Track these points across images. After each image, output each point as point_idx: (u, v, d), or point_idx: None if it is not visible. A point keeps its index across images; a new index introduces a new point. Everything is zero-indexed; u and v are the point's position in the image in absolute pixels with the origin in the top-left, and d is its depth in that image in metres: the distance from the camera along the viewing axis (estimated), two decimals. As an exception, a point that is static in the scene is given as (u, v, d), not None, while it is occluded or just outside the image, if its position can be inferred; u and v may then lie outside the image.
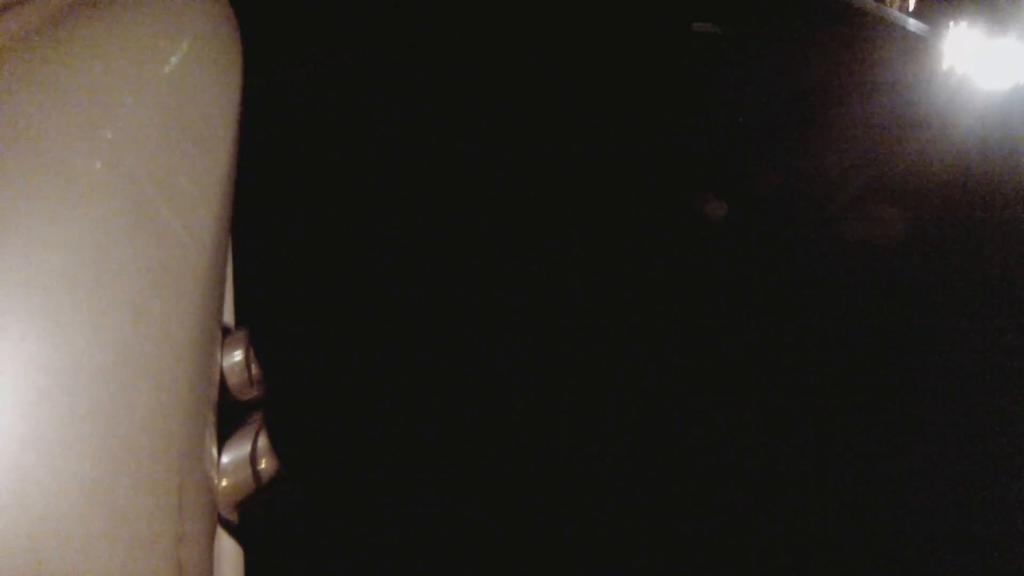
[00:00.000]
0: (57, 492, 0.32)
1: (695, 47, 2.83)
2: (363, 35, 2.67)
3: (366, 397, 1.53)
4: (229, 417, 0.64)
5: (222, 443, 0.61)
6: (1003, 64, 2.32)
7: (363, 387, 1.55)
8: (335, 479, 1.36)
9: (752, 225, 2.16)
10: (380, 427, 1.48)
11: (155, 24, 0.65)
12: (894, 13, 2.62)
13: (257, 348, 0.69)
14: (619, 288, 1.90)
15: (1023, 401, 1.55)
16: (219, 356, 0.64)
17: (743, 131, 2.49)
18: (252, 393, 0.67)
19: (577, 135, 2.43)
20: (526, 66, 2.71)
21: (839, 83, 2.48)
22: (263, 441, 0.61)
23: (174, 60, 0.63)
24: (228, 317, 0.81)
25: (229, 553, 0.60)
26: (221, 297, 0.62)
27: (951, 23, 2.49)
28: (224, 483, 0.58)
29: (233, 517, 0.59)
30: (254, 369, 0.67)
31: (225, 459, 0.59)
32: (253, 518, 0.60)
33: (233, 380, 0.66)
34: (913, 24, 2.53)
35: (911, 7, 2.68)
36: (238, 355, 0.67)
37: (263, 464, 0.59)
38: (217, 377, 0.61)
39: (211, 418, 0.54)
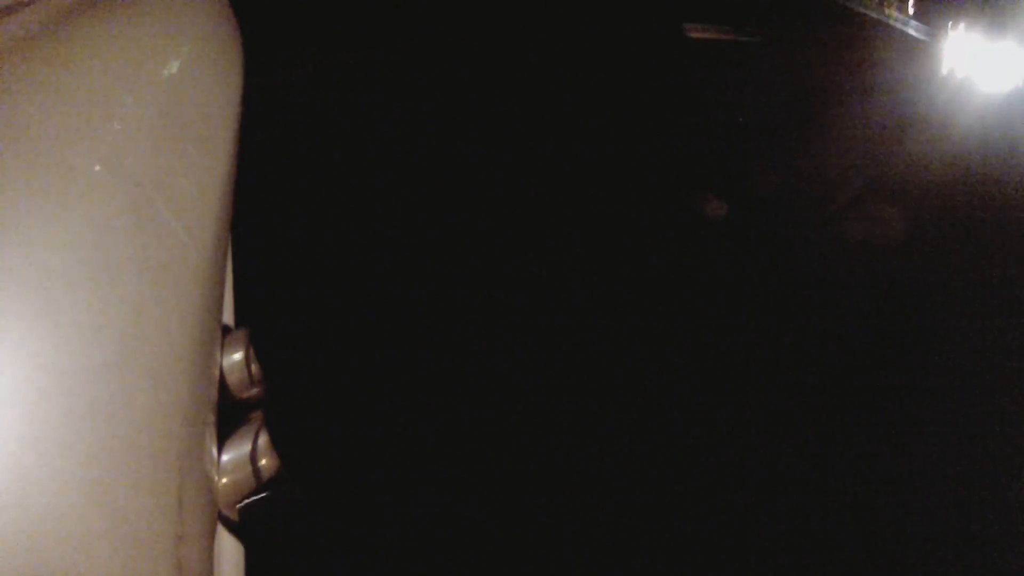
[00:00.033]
0: (57, 492, 0.32)
1: (695, 47, 2.83)
2: (363, 35, 2.67)
3: (366, 397, 1.53)
4: (229, 416, 0.64)
5: (222, 442, 0.61)
6: (1002, 66, 2.32)
7: (363, 387, 1.55)
8: (335, 479, 1.36)
9: (752, 225, 2.16)
10: (380, 427, 1.48)
11: (155, 24, 0.65)
12: (894, 15, 2.62)
13: (257, 347, 0.69)
14: (619, 288, 1.90)
15: (1023, 401, 1.55)
16: (219, 355, 0.64)
17: (743, 131, 2.49)
18: (252, 392, 0.67)
19: (577, 135, 2.43)
20: (526, 66, 2.71)
21: (839, 84, 2.48)
22: (263, 440, 0.61)
23: (174, 60, 0.63)
24: (228, 317, 0.81)
25: (229, 553, 0.60)
26: (221, 297, 0.62)
27: (950, 25, 2.49)
28: (224, 482, 0.58)
29: (233, 516, 0.59)
30: (254, 368, 0.67)
31: (225, 458, 0.59)
32: (253, 517, 0.60)
33: (233, 379, 0.66)
34: (913, 26, 2.53)
35: (911, 9, 2.68)
36: (238, 354, 0.67)
37: (263, 463, 0.59)
38: (217, 376, 0.61)
39: (211, 417, 0.54)
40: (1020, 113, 2.21)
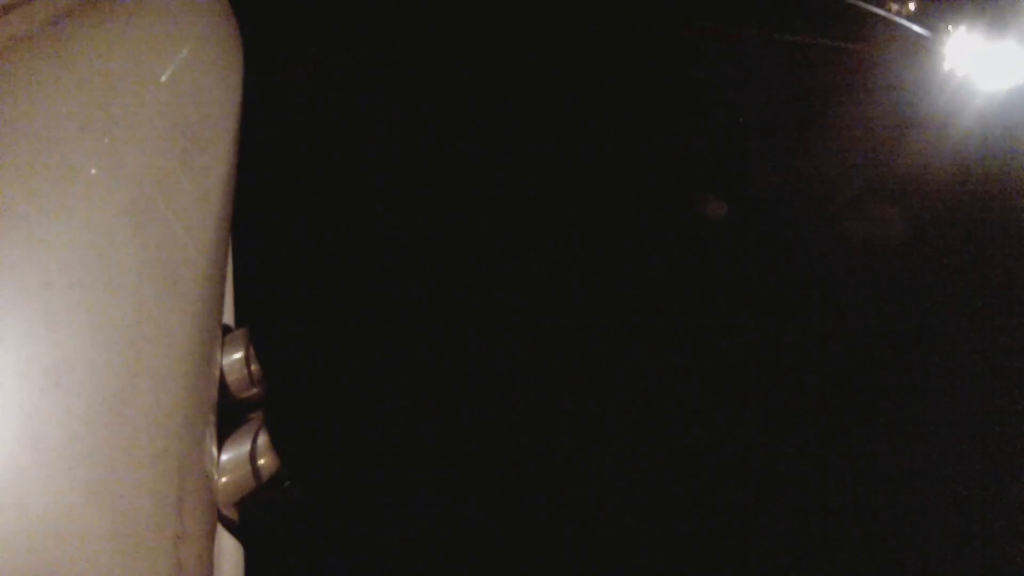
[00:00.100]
0: (57, 492, 0.32)
1: (695, 47, 2.83)
2: (363, 35, 2.66)
3: (366, 397, 1.53)
4: (229, 416, 0.64)
5: (222, 441, 0.61)
6: (1003, 66, 2.32)
7: (363, 387, 1.55)
8: (335, 479, 1.36)
9: (752, 225, 2.16)
10: (380, 427, 1.48)
11: (155, 25, 0.65)
12: (894, 15, 2.62)
13: (257, 347, 0.69)
14: (619, 288, 1.90)
15: (1023, 401, 1.55)
16: (219, 355, 0.64)
17: (743, 131, 2.49)
18: (252, 392, 0.67)
19: (577, 135, 2.43)
20: (526, 66, 2.71)
21: (840, 84, 2.48)
22: (263, 440, 0.61)
23: (174, 60, 0.63)
24: (228, 317, 0.81)
25: (229, 552, 0.60)
26: (221, 297, 0.62)
27: (951, 25, 2.49)
28: (224, 481, 0.58)
29: (233, 515, 0.59)
30: (254, 368, 0.67)
31: (225, 457, 0.59)
32: (253, 516, 0.60)
33: (233, 379, 0.66)
34: (913, 26, 2.53)
35: (912, 9, 2.68)
36: (238, 354, 0.67)
37: (263, 462, 0.59)
38: (217, 376, 0.61)
39: (211, 417, 0.54)
40: (1020, 113, 2.21)
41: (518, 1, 2.91)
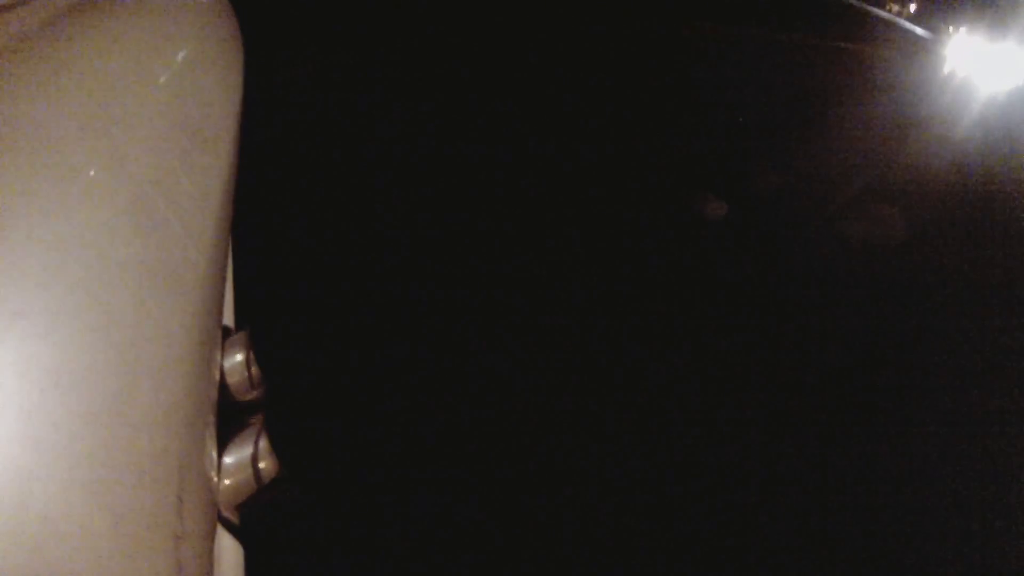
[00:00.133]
0: (57, 492, 0.32)
1: (695, 47, 2.83)
2: (363, 35, 2.67)
3: (366, 397, 1.53)
4: (230, 418, 0.64)
5: (223, 444, 0.61)
6: (1003, 67, 2.32)
7: (363, 387, 1.55)
8: (335, 479, 1.36)
9: (752, 225, 2.16)
10: (380, 427, 1.48)
11: (156, 25, 0.65)
12: (895, 16, 2.62)
13: (258, 349, 0.69)
14: (619, 288, 1.90)
15: (1023, 401, 1.55)
16: (219, 357, 0.64)
17: (743, 131, 2.49)
18: (253, 394, 0.67)
19: (577, 135, 2.43)
20: (526, 66, 2.71)
21: (840, 84, 2.48)
22: (264, 442, 0.61)
23: (175, 60, 0.63)
24: (228, 318, 0.81)
25: (229, 553, 0.60)
26: (221, 297, 0.62)
27: (952, 26, 2.49)
28: (225, 483, 0.58)
29: (233, 517, 0.59)
30: (254, 370, 0.67)
31: (226, 460, 0.59)
32: (253, 518, 0.60)
33: (234, 381, 0.66)
34: (914, 27, 2.53)
35: (912, 10, 2.68)
36: (239, 356, 0.67)
37: (263, 465, 0.59)
38: (217, 378, 0.61)
39: (211, 418, 0.54)
40: (1020, 114, 2.21)
41: (518, 1, 2.91)
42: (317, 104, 2.39)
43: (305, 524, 1.20)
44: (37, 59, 0.46)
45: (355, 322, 1.69)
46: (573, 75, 2.68)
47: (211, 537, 0.52)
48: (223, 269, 0.64)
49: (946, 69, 2.43)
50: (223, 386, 0.64)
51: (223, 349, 0.66)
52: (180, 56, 0.65)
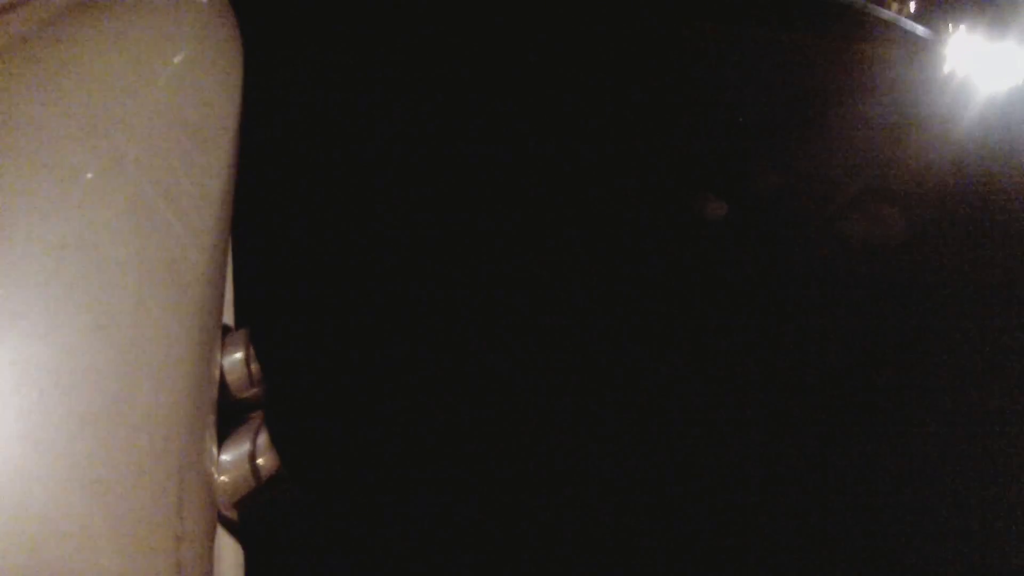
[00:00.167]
0: (57, 492, 0.32)
1: (695, 47, 2.83)
2: (363, 35, 2.67)
3: (366, 397, 1.53)
4: (229, 416, 0.64)
5: (222, 441, 0.61)
6: (1003, 66, 2.32)
7: (363, 387, 1.55)
8: (335, 479, 1.36)
9: (752, 225, 2.16)
10: (380, 427, 1.48)
11: (156, 24, 0.65)
12: (895, 15, 2.62)
13: (257, 347, 0.69)
14: (619, 288, 1.90)
15: (1023, 401, 1.55)
16: (219, 355, 0.64)
17: (743, 131, 2.49)
18: (252, 392, 0.68)
19: (577, 135, 2.43)
20: (526, 66, 2.71)
21: (840, 85, 2.48)
22: (263, 439, 0.61)
23: (175, 60, 0.63)
24: (228, 317, 0.81)
25: (229, 552, 0.60)
26: (221, 297, 0.62)
27: (952, 25, 2.49)
28: (224, 480, 0.58)
29: (233, 515, 0.59)
30: (254, 368, 0.67)
31: (225, 457, 0.59)
32: (253, 516, 0.60)
33: (233, 379, 0.66)
34: (914, 26, 2.53)
35: (912, 9, 2.68)
36: (238, 354, 0.67)
37: (262, 462, 0.59)
38: (217, 376, 0.61)
39: (211, 417, 0.54)
40: (1020, 113, 2.21)
41: (518, 1, 2.91)
42: (317, 104, 2.39)
43: (305, 524, 1.20)
44: (37, 59, 0.46)
45: (355, 322, 1.69)
46: (573, 75, 2.68)
47: (211, 537, 0.52)
48: (223, 269, 0.64)
49: (946, 68, 2.43)
50: (222, 383, 0.64)
51: (223, 347, 0.66)
52: (180, 56, 0.65)
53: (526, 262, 1.95)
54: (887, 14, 2.63)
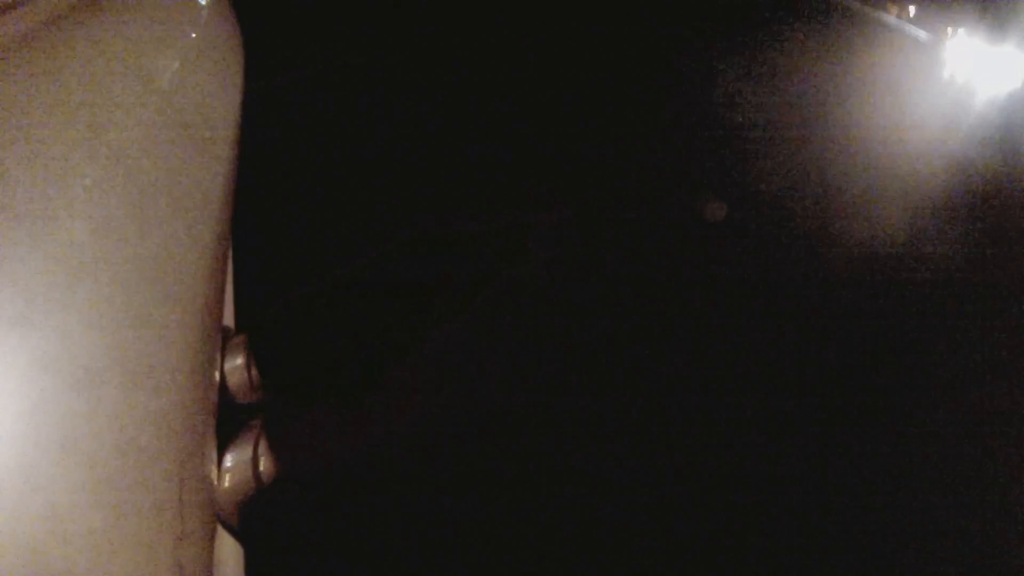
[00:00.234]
0: (58, 492, 0.32)
1: (695, 47, 2.83)
2: (363, 35, 2.67)
3: (365, 396, 1.53)
4: (230, 420, 0.64)
5: (223, 445, 0.61)
6: (1003, 70, 2.33)
7: (363, 386, 1.55)
8: (335, 479, 1.36)
9: (752, 225, 2.16)
10: (379, 427, 1.48)
11: (156, 25, 0.65)
12: (894, 18, 2.62)
13: (257, 349, 0.69)
14: (619, 288, 1.90)
15: (1023, 401, 1.55)
16: (220, 358, 0.64)
17: (743, 131, 2.49)
18: (253, 397, 0.68)
19: (577, 135, 2.43)
20: (526, 66, 2.71)
21: (840, 86, 2.48)
22: (263, 443, 0.61)
23: (175, 61, 0.63)
24: (229, 319, 0.81)
25: (229, 553, 0.60)
26: (221, 298, 0.62)
27: (951, 29, 2.49)
28: (225, 484, 0.58)
29: (233, 517, 0.59)
30: (254, 372, 0.68)
31: (226, 461, 0.59)
32: (253, 518, 0.60)
33: (234, 383, 0.66)
34: (913, 30, 2.54)
35: (912, 13, 2.68)
36: (239, 360, 0.67)
37: (263, 466, 0.59)
38: (217, 379, 0.61)
39: (211, 420, 0.54)
40: (1020, 117, 2.22)
41: (518, 1, 2.91)
42: (317, 104, 2.39)
43: (305, 524, 1.20)
44: (37, 59, 0.46)
45: (354, 321, 1.69)
46: (573, 75, 2.68)
47: (211, 537, 0.52)
48: (223, 269, 0.64)
49: (946, 72, 2.43)
50: (223, 388, 0.64)
51: (224, 351, 0.66)
52: (180, 56, 0.65)
53: (526, 262, 1.95)
54: (886, 17, 2.63)
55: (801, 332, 1.79)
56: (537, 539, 1.33)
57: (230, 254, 0.78)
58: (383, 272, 1.85)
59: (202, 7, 0.81)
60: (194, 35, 0.73)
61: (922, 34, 2.51)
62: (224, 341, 0.67)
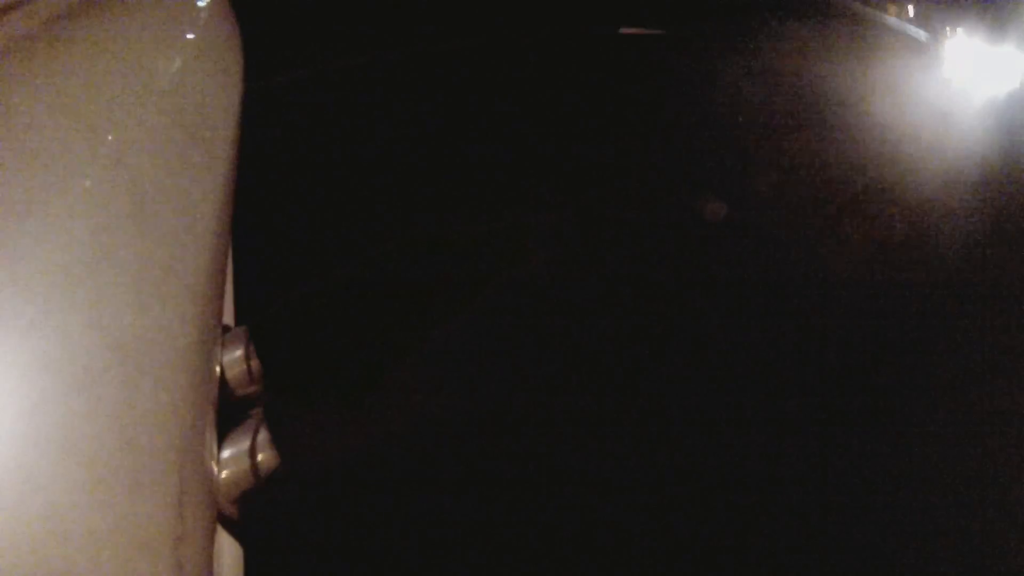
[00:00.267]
0: (57, 491, 0.32)
1: (695, 47, 2.84)
2: (363, 36, 2.67)
3: (365, 396, 1.53)
4: (229, 413, 0.64)
5: (222, 438, 0.61)
6: (1002, 69, 2.33)
7: (362, 385, 1.55)
8: (335, 479, 1.36)
9: (752, 225, 2.16)
10: (380, 427, 1.48)
11: (155, 25, 0.65)
12: (894, 18, 2.62)
13: (257, 345, 0.69)
14: (619, 288, 1.90)
15: (1023, 401, 1.55)
16: (219, 354, 0.64)
17: (743, 131, 2.49)
18: (252, 389, 0.68)
19: (577, 135, 2.43)
20: (526, 66, 2.71)
21: (839, 86, 2.48)
22: (263, 436, 0.61)
23: (175, 61, 0.63)
24: (228, 317, 0.81)
25: (229, 551, 0.60)
26: (221, 298, 0.62)
27: (950, 29, 2.49)
28: (223, 476, 0.58)
29: (233, 512, 0.59)
30: (254, 363, 0.68)
31: (225, 453, 0.59)
32: (252, 512, 0.60)
33: (232, 375, 0.66)
34: (912, 30, 2.54)
35: (911, 13, 2.68)
36: (238, 351, 0.67)
37: (262, 459, 0.59)
38: (217, 374, 0.61)
39: (211, 416, 0.54)
40: (1018, 116, 2.22)
41: (518, 2, 2.91)
42: (317, 104, 2.39)
43: (305, 524, 1.20)
44: (37, 59, 0.46)
45: (354, 322, 1.69)
46: (573, 75, 2.68)
47: (211, 537, 0.52)
48: (223, 269, 0.64)
49: (944, 71, 2.44)
50: (222, 380, 0.64)
51: (223, 344, 0.66)
52: (180, 56, 0.65)
53: (526, 262, 1.95)
54: (886, 17, 2.64)
55: (801, 332, 1.79)
56: (537, 539, 1.33)
57: (230, 254, 0.78)
58: (383, 272, 1.85)
59: (201, 7, 0.81)
60: (193, 35, 0.73)
61: (922, 34, 2.52)
62: (223, 337, 0.67)
